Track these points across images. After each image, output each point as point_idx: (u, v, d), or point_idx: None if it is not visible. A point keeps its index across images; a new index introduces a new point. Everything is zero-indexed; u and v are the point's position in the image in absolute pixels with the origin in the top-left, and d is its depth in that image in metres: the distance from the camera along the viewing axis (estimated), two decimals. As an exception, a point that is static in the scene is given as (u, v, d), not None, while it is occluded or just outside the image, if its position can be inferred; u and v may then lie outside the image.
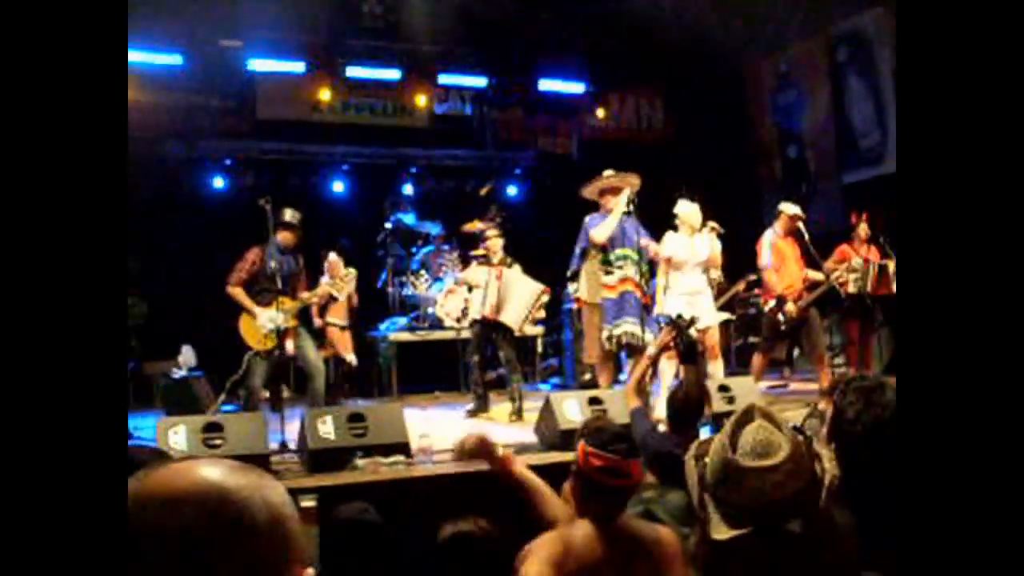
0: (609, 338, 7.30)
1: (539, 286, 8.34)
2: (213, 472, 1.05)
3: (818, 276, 8.53)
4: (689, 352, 4.82)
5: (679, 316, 5.39)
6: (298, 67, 11.31)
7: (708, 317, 7.69)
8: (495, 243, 8.50)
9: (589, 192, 7.63)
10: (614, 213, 7.35)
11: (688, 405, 4.77)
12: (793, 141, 13.10)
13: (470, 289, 8.77)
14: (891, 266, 9.07)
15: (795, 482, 1.63)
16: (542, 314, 8.72)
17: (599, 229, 7.37)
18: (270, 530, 1.04)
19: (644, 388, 7.34)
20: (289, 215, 7.49)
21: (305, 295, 7.60)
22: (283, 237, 7.41)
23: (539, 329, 10.65)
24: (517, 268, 8.45)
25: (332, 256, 9.19)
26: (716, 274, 8.30)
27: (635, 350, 7.33)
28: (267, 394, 8.02)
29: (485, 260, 8.64)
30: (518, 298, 8.20)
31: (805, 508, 1.62)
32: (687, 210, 7.74)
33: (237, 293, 7.28)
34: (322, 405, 7.20)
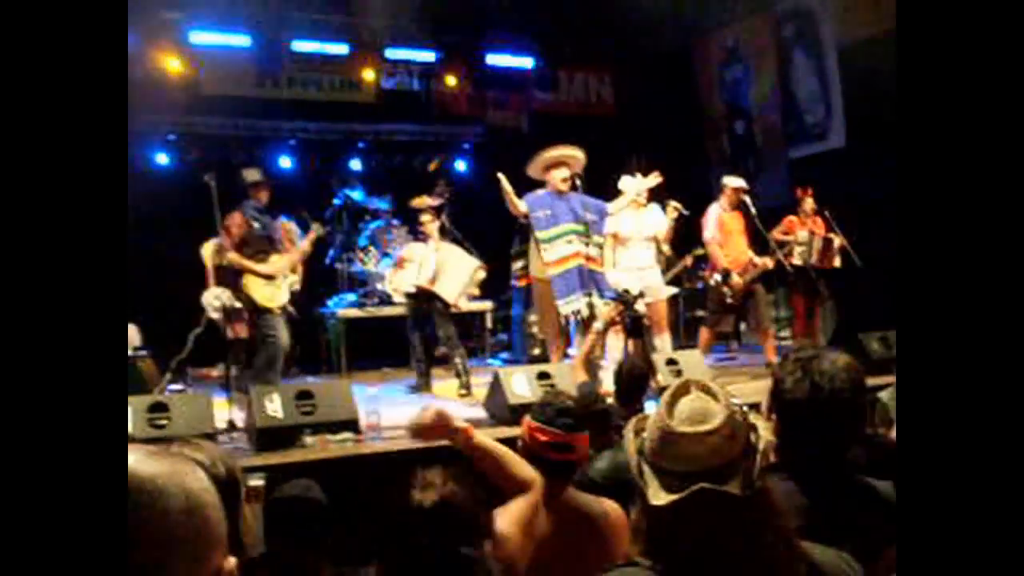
0: (564, 316, 7.31)
1: (475, 262, 8.40)
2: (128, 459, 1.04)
3: (766, 263, 8.57)
4: (635, 327, 4.86)
5: (625, 291, 5.44)
6: (243, 41, 11.14)
7: (656, 291, 7.76)
8: (429, 227, 8.52)
9: (533, 169, 7.60)
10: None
11: (633, 379, 4.81)
12: (740, 116, 13.19)
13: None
14: (836, 240, 9.21)
15: (730, 448, 1.66)
16: (476, 291, 8.72)
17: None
18: (186, 518, 1.03)
19: (592, 362, 7.42)
20: (256, 174, 7.69)
21: (303, 246, 7.68)
22: (258, 196, 7.57)
23: (488, 304, 10.67)
24: (455, 247, 8.54)
25: (284, 220, 9.13)
26: (665, 248, 8.36)
27: (587, 324, 7.37)
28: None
29: (423, 238, 8.66)
30: (455, 271, 8.25)
31: (741, 474, 1.65)
32: (630, 184, 7.78)
33: (234, 258, 7.33)
34: (275, 380, 7.20)
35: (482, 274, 8.52)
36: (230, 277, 7.38)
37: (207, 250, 8.74)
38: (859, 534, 1.98)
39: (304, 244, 7.80)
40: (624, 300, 5.12)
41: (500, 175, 7.23)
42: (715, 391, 1.72)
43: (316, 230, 8.17)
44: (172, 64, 10.69)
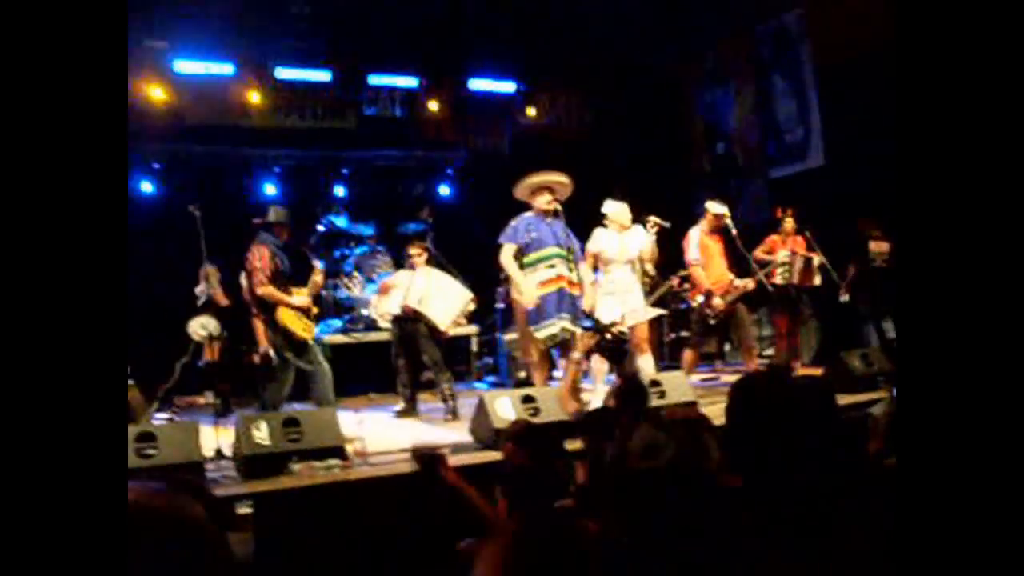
0: (541, 341, 7.31)
1: (468, 293, 8.47)
2: None
3: (747, 284, 8.65)
4: (615, 353, 4.87)
5: (597, 320, 5.46)
6: (226, 69, 11.21)
7: (637, 313, 7.81)
8: (418, 260, 8.58)
9: (520, 193, 7.65)
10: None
11: (633, 392, 4.81)
12: (720, 137, 13.32)
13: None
14: (816, 259, 9.30)
15: (683, 475, 1.72)
16: (464, 321, 8.80)
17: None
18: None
19: (578, 391, 7.47)
20: (277, 215, 7.64)
21: (316, 280, 7.72)
22: (281, 234, 7.57)
23: (474, 328, 10.72)
24: (445, 274, 8.61)
25: (208, 265, 9.11)
26: (649, 268, 8.42)
27: (568, 347, 7.40)
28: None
29: (409, 265, 8.72)
30: (445, 297, 8.31)
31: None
32: (615, 209, 7.86)
33: (270, 291, 7.30)
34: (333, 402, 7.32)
35: (473, 306, 8.59)
36: (264, 317, 7.42)
37: (212, 277, 8.79)
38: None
39: (316, 279, 7.82)
40: (598, 329, 5.16)
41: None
42: (665, 422, 1.79)
43: (316, 272, 8.19)
44: (156, 93, 10.75)
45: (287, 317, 7.28)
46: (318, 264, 8.19)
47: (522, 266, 7.36)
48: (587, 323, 6.81)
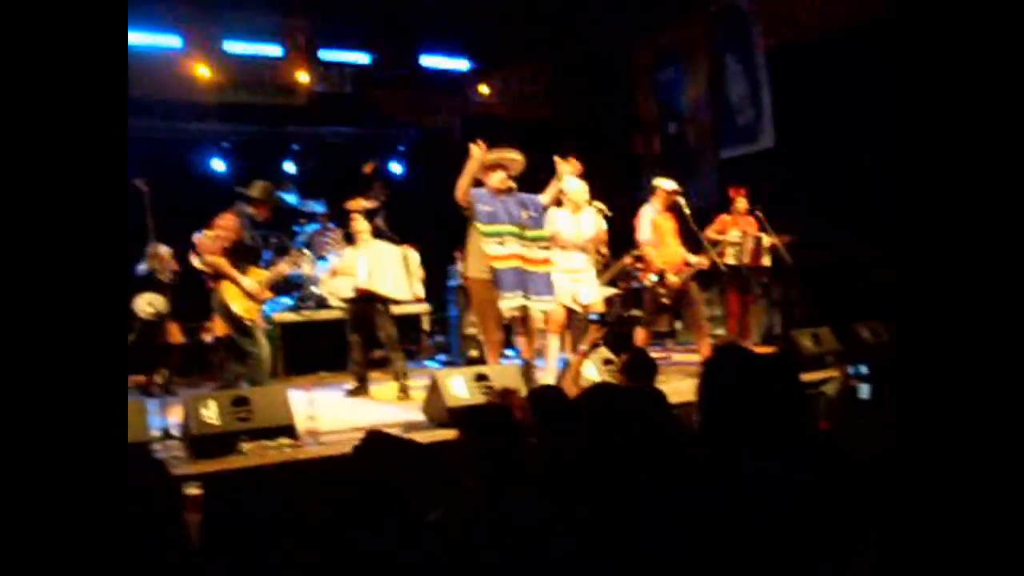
0: (504, 313, 7.25)
1: (398, 248, 8.36)
2: None
3: (701, 261, 8.69)
4: (619, 343, 4.83)
5: (602, 318, 5.46)
6: (174, 42, 10.99)
7: (591, 294, 7.81)
8: (358, 224, 8.47)
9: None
10: (466, 170, 7.27)
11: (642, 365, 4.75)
12: (673, 118, 13.36)
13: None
14: (766, 239, 9.37)
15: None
16: (422, 273, 8.63)
17: (457, 188, 7.31)
18: None
19: (530, 366, 7.46)
20: (258, 191, 7.39)
21: (280, 267, 7.54)
22: (258, 211, 7.35)
23: (425, 307, 10.67)
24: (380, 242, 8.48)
25: (161, 247, 8.97)
26: (603, 249, 8.41)
27: (524, 324, 7.37)
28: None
29: (351, 240, 8.63)
30: (386, 265, 8.22)
31: None
32: (574, 187, 7.80)
33: (221, 263, 7.04)
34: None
35: (415, 255, 8.46)
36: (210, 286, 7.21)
37: (167, 257, 8.59)
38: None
39: (283, 266, 7.66)
40: (604, 322, 5.16)
41: (475, 147, 7.14)
42: None
43: (295, 255, 8.04)
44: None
45: (231, 293, 7.11)
46: (294, 251, 8.09)
47: (480, 235, 7.32)
48: (594, 316, 6.78)
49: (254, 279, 7.19)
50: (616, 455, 2.22)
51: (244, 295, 7.10)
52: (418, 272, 8.38)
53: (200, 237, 8.56)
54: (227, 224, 7.14)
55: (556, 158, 7.50)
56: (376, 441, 3.12)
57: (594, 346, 5.40)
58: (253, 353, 7.14)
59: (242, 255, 7.20)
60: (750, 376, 2.25)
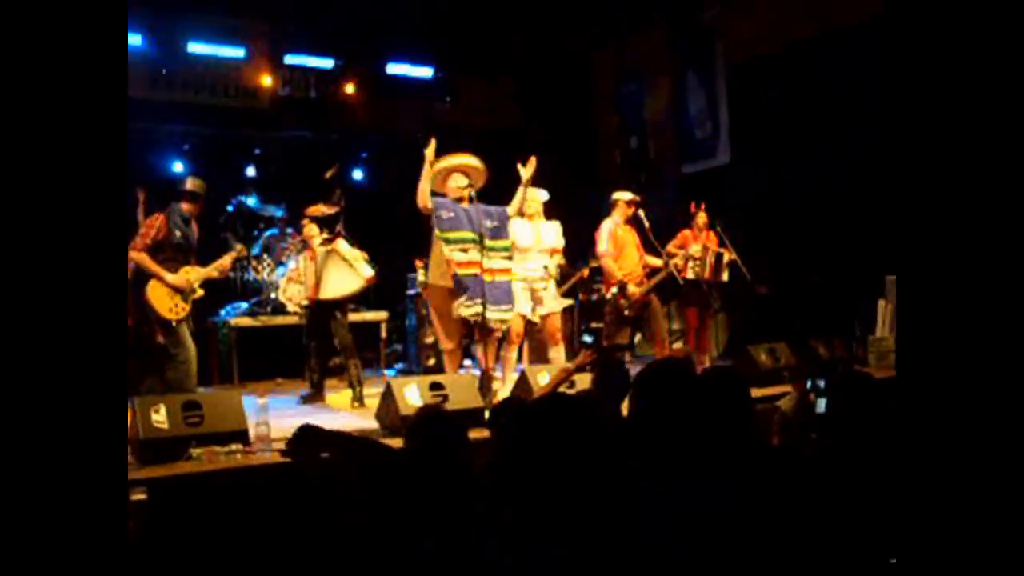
0: (461, 317, 7.22)
1: (362, 280, 8.24)
2: None
3: (657, 262, 8.78)
4: (606, 380, 4.75)
5: (595, 341, 5.43)
6: (135, 40, 10.87)
7: (550, 303, 7.81)
8: (309, 229, 8.41)
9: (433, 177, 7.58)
10: (424, 174, 7.25)
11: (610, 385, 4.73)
12: (635, 131, 13.40)
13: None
14: (726, 255, 9.42)
15: None
16: (359, 253, 8.46)
17: (418, 195, 7.29)
18: None
19: (488, 375, 7.44)
20: (192, 184, 7.41)
21: (213, 267, 7.45)
22: (187, 207, 7.33)
23: (383, 314, 10.62)
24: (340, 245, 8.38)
25: None
26: (559, 259, 8.40)
27: (484, 333, 7.35)
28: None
29: (304, 246, 8.56)
30: (334, 269, 8.14)
31: None
32: (531, 196, 7.81)
33: (143, 259, 7.00)
34: (192, 388, 7.04)
35: (342, 243, 8.32)
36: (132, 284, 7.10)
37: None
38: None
39: (223, 262, 7.59)
40: (600, 350, 5.12)
41: (427, 148, 7.14)
42: None
43: (239, 251, 7.99)
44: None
45: (154, 292, 7.04)
46: (238, 246, 8.02)
47: (441, 243, 7.31)
48: (588, 338, 6.77)
49: (184, 276, 7.13)
50: (558, 464, 2.21)
51: (170, 293, 7.04)
52: (354, 253, 8.24)
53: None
54: (151, 222, 7.14)
55: (518, 164, 7.50)
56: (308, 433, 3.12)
57: (580, 368, 5.36)
58: (176, 355, 7.06)
59: (171, 253, 7.15)
60: (682, 389, 2.25)
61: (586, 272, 9.78)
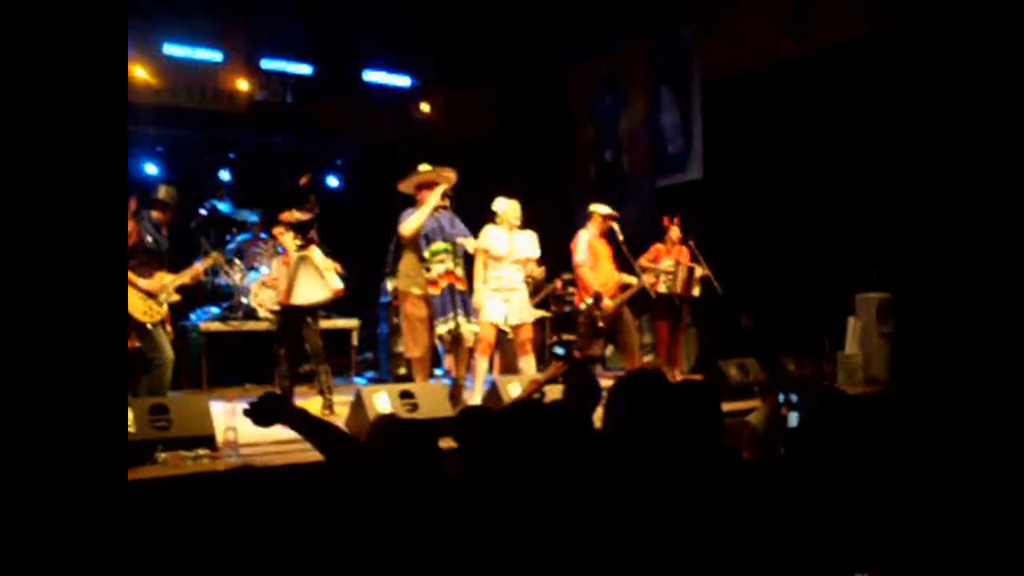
0: (439, 336, 7.31)
1: (330, 292, 8.22)
2: None
3: (631, 279, 8.81)
4: (577, 390, 4.76)
5: (567, 352, 5.42)
6: (111, 42, 10.79)
7: (522, 314, 7.82)
8: (284, 239, 8.37)
9: (405, 186, 7.61)
10: (423, 208, 7.35)
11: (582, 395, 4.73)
12: (610, 145, 13.46)
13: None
14: (698, 269, 9.47)
15: None
16: (331, 264, 8.42)
17: (407, 223, 7.36)
18: None
19: (459, 385, 7.46)
20: (164, 193, 7.47)
21: (187, 273, 7.45)
22: (157, 214, 7.39)
23: (355, 322, 10.59)
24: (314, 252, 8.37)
25: None
26: (536, 269, 8.39)
27: (455, 343, 7.38)
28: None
29: (279, 251, 8.55)
30: (306, 275, 8.12)
31: None
32: (506, 207, 7.83)
33: None
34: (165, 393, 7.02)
35: (316, 251, 8.28)
36: None
37: None
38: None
39: (197, 266, 7.62)
40: (571, 362, 5.10)
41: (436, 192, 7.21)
42: None
43: (214, 257, 8.02)
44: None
45: (128, 297, 7.06)
46: (214, 253, 8.03)
47: (421, 260, 7.37)
48: (559, 350, 6.78)
49: (158, 281, 7.16)
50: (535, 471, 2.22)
51: (143, 297, 7.05)
52: (326, 263, 8.20)
53: None
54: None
55: (498, 200, 7.63)
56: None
57: (551, 380, 5.35)
58: (153, 360, 7.06)
59: (143, 258, 7.19)
60: (657, 400, 2.27)
61: (559, 283, 9.80)
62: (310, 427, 3.25)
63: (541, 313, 8.97)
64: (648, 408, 2.24)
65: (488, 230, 7.75)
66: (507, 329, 7.80)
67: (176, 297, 7.36)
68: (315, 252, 8.17)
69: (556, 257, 9.02)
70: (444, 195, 7.44)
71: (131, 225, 7.16)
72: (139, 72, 11.00)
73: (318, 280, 8.07)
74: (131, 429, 5.37)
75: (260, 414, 3.21)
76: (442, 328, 7.26)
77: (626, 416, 2.26)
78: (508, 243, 7.75)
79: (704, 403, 2.31)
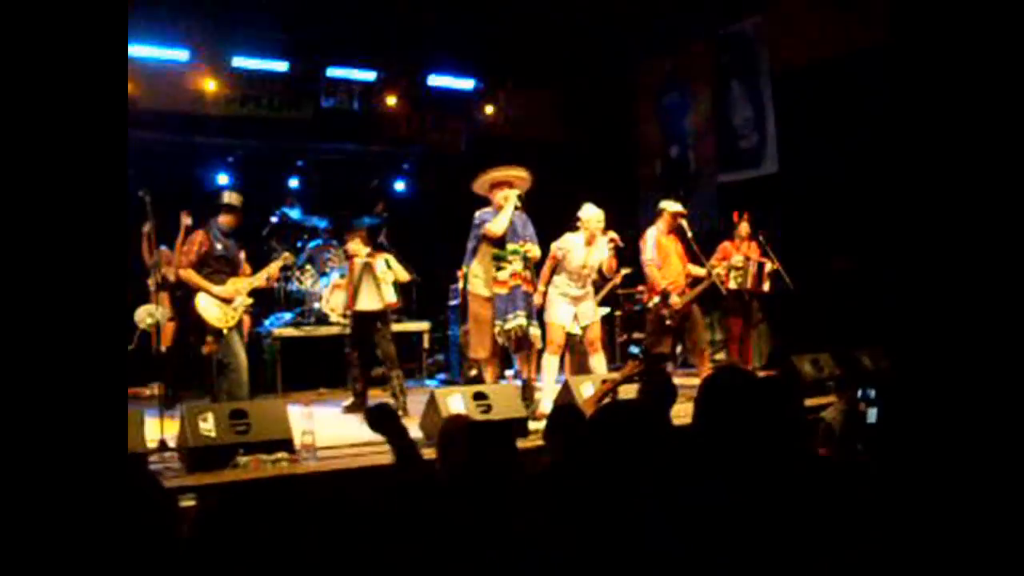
0: (500, 333, 7.33)
1: (393, 298, 8.30)
2: None
3: (700, 272, 8.74)
4: (653, 389, 4.75)
5: (644, 352, 5.42)
6: (182, 56, 11.01)
7: (590, 314, 7.81)
8: (353, 247, 8.45)
9: (479, 186, 7.64)
10: (506, 207, 7.37)
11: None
12: (676, 141, 13.36)
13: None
14: (768, 265, 9.35)
15: None
16: (393, 277, 8.46)
17: (495, 223, 7.38)
18: None
19: (529, 385, 7.47)
20: (229, 197, 7.59)
21: (261, 275, 7.60)
22: (225, 220, 7.51)
23: (425, 324, 10.66)
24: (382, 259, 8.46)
25: (164, 248, 9.03)
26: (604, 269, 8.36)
27: (523, 345, 7.40)
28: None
29: (350, 259, 8.64)
30: (367, 283, 8.21)
31: None
32: (591, 214, 7.78)
33: (191, 275, 7.28)
34: (244, 396, 7.15)
35: (380, 262, 8.33)
36: (180, 296, 7.28)
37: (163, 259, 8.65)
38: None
39: (270, 270, 7.75)
40: (647, 360, 5.10)
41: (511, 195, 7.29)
42: None
43: (285, 258, 8.14)
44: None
45: (202, 304, 7.20)
46: (285, 254, 8.15)
47: (492, 260, 7.40)
48: (634, 349, 6.79)
49: (232, 287, 7.29)
50: (622, 471, 2.22)
51: (219, 303, 7.20)
52: (387, 276, 8.27)
53: (166, 250, 8.73)
54: (193, 238, 7.39)
55: (585, 207, 7.64)
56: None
57: (628, 379, 5.34)
58: (229, 364, 7.19)
59: (215, 266, 7.35)
60: (748, 398, 2.24)
61: (618, 279, 9.71)
62: (403, 451, 3.57)
63: (607, 310, 8.94)
64: (737, 406, 2.21)
65: (567, 239, 7.72)
66: (576, 332, 7.79)
67: (249, 300, 7.49)
68: (378, 261, 8.25)
69: (625, 255, 8.97)
70: (517, 197, 7.47)
71: (200, 234, 7.35)
72: (210, 85, 11.20)
73: (375, 290, 8.18)
74: (212, 433, 5.49)
75: (373, 419, 3.60)
76: (504, 328, 7.26)
77: (717, 414, 2.24)
78: (584, 255, 7.72)
79: (784, 401, 2.28)
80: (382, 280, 8.20)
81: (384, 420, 3.62)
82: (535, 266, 7.53)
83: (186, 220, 8.58)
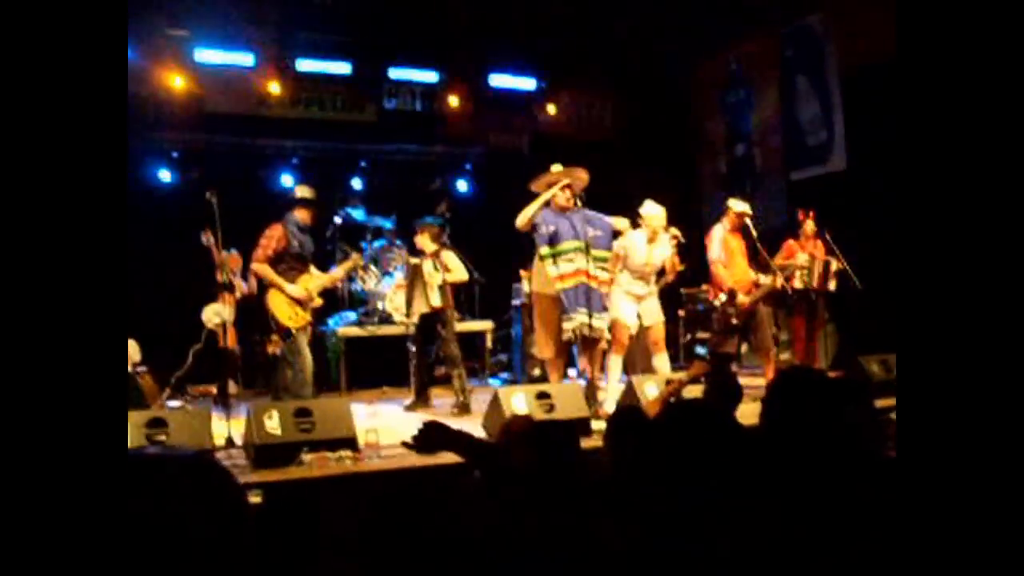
0: (568, 333, 7.30)
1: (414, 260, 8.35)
2: None
3: (766, 281, 8.59)
4: (719, 390, 4.71)
5: (710, 352, 5.40)
6: (247, 59, 11.18)
7: (654, 314, 7.76)
8: (420, 241, 8.48)
9: (538, 186, 7.65)
10: (534, 202, 7.36)
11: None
12: (741, 139, 13.22)
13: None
14: (835, 264, 9.20)
15: None
16: (440, 279, 8.47)
17: (521, 216, 7.37)
18: None
19: (593, 384, 7.44)
20: (303, 191, 7.63)
21: (336, 272, 7.67)
22: (301, 215, 7.48)
23: (489, 324, 10.68)
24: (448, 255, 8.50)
25: (233, 252, 9.10)
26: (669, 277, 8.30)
27: (588, 343, 7.37)
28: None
29: (416, 255, 8.68)
30: (416, 284, 8.28)
31: None
32: (652, 212, 7.75)
33: (265, 270, 7.25)
34: (308, 395, 7.16)
35: (428, 264, 8.34)
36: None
37: (231, 264, 8.74)
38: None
39: (339, 271, 7.80)
40: (716, 360, 5.07)
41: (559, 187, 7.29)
42: None
43: (355, 259, 8.19)
44: (176, 81, 10.75)
45: (275, 300, 7.21)
46: (355, 255, 8.20)
47: (541, 258, 7.37)
48: (700, 349, 6.77)
49: (303, 286, 7.27)
50: (690, 472, 2.18)
51: (289, 302, 7.19)
52: (434, 279, 8.26)
53: (235, 254, 8.80)
54: (272, 233, 7.30)
55: (646, 204, 7.61)
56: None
57: (694, 380, 5.30)
58: (294, 363, 7.20)
59: (290, 263, 7.31)
60: (821, 398, 2.19)
61: (672, 276, 9.62)
62: (472, 448, 3.26)
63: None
64: (809, 406, 2.17)
65: (630, 236, 7.69)
66: (634, 331, 7.75)
67: (319, 301, 7.52)
68: (426, 263, 8.28)
69: (689, 252, 8.89)
70: (573, 195, 7.44)
71: (279, 230, 7.29)
72: (274, 88, 11.36)
73: (423, 295, 8.22)
74: (277, 431, 5.55)
75: (424, 443, 3.23)
76: (569, 326, 7.24)
77: (786, 415, 2.19)
78: (647, 253, 7.68)
79: (860, 402, 2.22)
80: (429, 283, 8.23)
81: (434, 437, 3.25)
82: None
83: (207, 239, 8.45)
